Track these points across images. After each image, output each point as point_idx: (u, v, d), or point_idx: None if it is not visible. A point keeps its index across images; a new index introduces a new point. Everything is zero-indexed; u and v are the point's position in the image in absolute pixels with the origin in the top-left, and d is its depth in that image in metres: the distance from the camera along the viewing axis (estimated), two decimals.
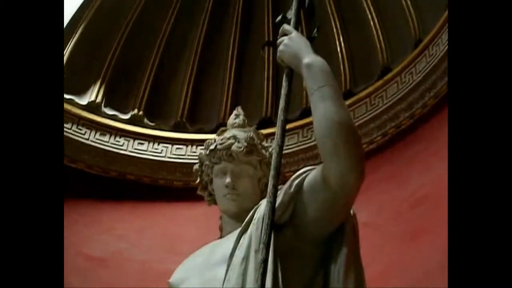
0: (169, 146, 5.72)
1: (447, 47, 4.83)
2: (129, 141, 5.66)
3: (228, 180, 3.04)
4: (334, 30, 5.85)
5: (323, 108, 2.66)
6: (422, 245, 4.22)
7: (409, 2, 5.46)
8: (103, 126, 5.64)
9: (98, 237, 5.02)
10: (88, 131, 5.54)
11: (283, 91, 2.76)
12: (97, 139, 5.55)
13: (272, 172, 2.55)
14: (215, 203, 3.21)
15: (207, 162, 3.16)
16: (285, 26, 2.90)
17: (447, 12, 4.94)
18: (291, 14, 2.95)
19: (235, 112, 3.40)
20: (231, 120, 3.35)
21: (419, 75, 5.05)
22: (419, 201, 4.46)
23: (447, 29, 4.90)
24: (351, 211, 2.81)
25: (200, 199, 3.37)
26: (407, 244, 4.34)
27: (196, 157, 3.33)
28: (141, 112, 5.83)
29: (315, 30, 2.95)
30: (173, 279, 3.00)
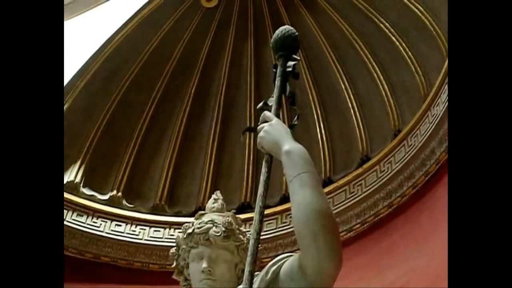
0: (147, 228, 5.68)
1: (425, 138, 4.91)
2: (106, 222, 5.61)
3: (204, 265, 3.00)
4: (315, 118, 5.94)
5: (301, 196, 2.66)
6: None
7: (389, 94, 5.58)
8: (81, 207, 5.60)
9: None
10: (65, 212, 5.49)
11: (262, 177, 2.77)
12: (73, 219, 5.50)
13: (248, 259, 2.53)
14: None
15: (184, 246, 3.14)
16: (266, 113, 2.93)
17: (425, 104, 5.05)
18: (272, 101, 2.99)
19: (213, 196, 3.40)
20: (210, 204, 3.34)
21: (397, 164, 5.11)
22: None
23: (425, 121, 4.99)
24: None
25: (176, 283, 3.32)
26: None
27: (174, 240, 3.30)
28: (120, 193, 5.81)
29: (296, 118, 2.98)
30: None
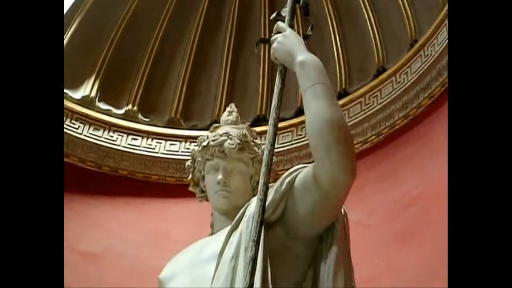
0: (163, 142, 5.71)
1: (442, 47, 4.83)
2: (122, 136, 5.64)
3: (220, 177, 3.03)
4: (330, 29, 5.84)
5: (315, 107, 2.65)
6: (414, 247, 4.22)
7: (405, 3, 5.46)
8: (97, 121, 5.62)
9: (89, 232, 5.00)
10: (82, 126, 5.52)
11: (276, 89, 2.75)
12: (90, 133, 5.54)
13: (263, 169, 2.54)
14: (206, 200, 3.20)
15: (199, 159, 3.16)
16: (279, 24, 2.89)
17: (443, 13, 4.94)
18: (285, 12, 2.94)
19: (228, 109, 3.40)
20: (224, 117, 3.34)
21: (414, 75, 5.05)
22: (412, 202, 4.45)
23: (442, 30, 4.90)
24: (343, 210, 2.80)
25: (192, 196, 3.36)
26: (399, 245, 4.33)
27: (189, 154, 3.32)
28: (135, 108, 5.82)
29: (310, 28, 2.94)
30: (162, 275, 2.99)
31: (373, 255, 4.25)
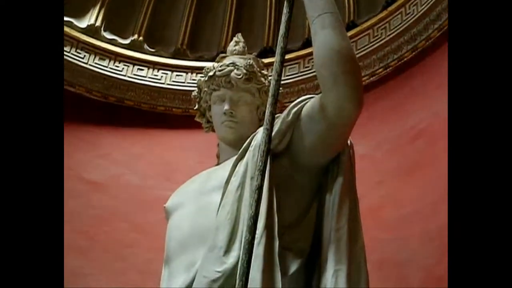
0: (169, 73, 5.67)
1: None
2: (128, 66, 5.59)
3: (226, 107, 3.02)
4: None
5: (323, 36, 2.61)
6: (420, 180, 4.22)
7: None
8: (102, 51, 5.56)
9: (96, 161, 5.02)
10: (87, 55, 5.47)
11: (284, 18, 2.71)
12: (96, 63, 5.49)
13: (269, 99, 2.52)
14: (212, 130, 3.20)
15: (205, 89, 3.14)
16: None
17: None
18: None
19: (235, 39, 3.36)
20: (231, 47, 3.31)
21: (423, 6, 4.95)
22: (419, 135, 4.44)
23: None
24: (349, 142, 2.80)
25: (198, 127, 3.35)
26: (404, 178, 4.34)
27: (196, 84, 3.30)
28: (141, 38, 5.74)
29: None
30: (168, 204, 3.02)
31: (378, 187, 4.27)
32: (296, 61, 5.47)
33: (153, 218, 4.40)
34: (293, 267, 2.59)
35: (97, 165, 4.99)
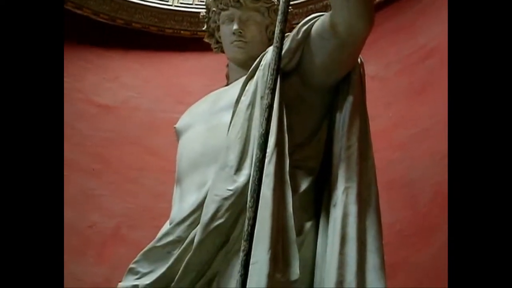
0: None
1: None
2: None
3: (235, 26, 2.99)
4: None
5: None
6: (430, 99, 4.20)
7: None
8: None
9: (105, 85, 5.01)
10: None
11: None
12: None
13: (279, 17, 2.48)
14: (222, 51, 3.18)
15: (214, 8, 3.10)
16: None
17: None
18: None
19: None
20: None
21: None
22: (429, 54, 4.39)
23: None
24: (359, 60, 2.78)
25: (208, 49, 3.33)
26: (414, 97, 4.32)
27: (204, 4, 3.26)
28: None
29: None
30: (179, 125, 3.03)
31: (388, 108, 4.25)
32: None
33: (163, 140, 4.43)
34: (304, 185, 2.62)
35: (107, 88, 4.99)
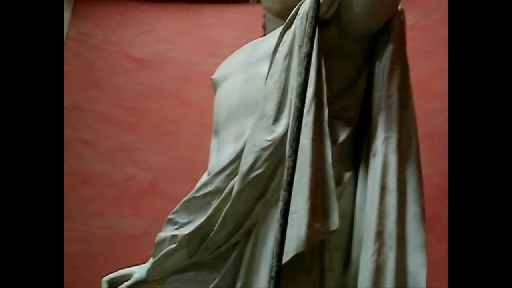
0: None
1: None
2: None
3: None
4: None
5: None
6: None
7: None
8: None
9: (140, 38, 5.00)
10: None
11: None
12: None
13: None
14: (258, 1, 3.12)
15: None
16: None
17: None
18: None
19: None
20: None
21: None
22: None
23: None
24: (399, 8, 2.71)
25: (242, 1, 3.28)
26: None
27: None
28: None
29: None
30: (216, 76, 3.00)
31: (428, 58, 4.17)
32: None
33: (198, 93, 4.43)
34: (342, 136, 2.58)
35: (142, 41, 4.98)
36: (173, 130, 4.62)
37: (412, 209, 2.42)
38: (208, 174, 2.67)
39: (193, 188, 2.66)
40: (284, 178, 2.15)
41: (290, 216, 2.12)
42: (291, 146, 2.18)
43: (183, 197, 2.63)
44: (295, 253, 2.20)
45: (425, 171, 2.56)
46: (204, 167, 2.89)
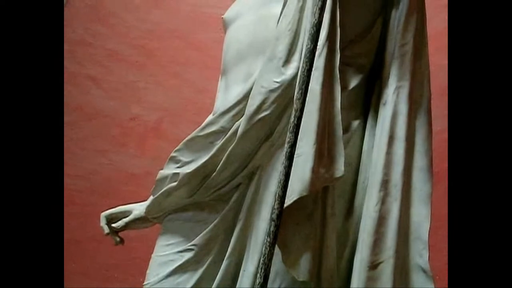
0: None
1: None
2: None
3: None
4: None
5: None
6: None
7: None
8: None
9: None
10: None
11: None
12: None
13: None
14: None
15: None
16: None
17: None
18: None
19: None
20: None
21: None
22: None
23: None
24: None
25: None
26: None
27: None
28: None
29: None
30: (227, 15, 2.92)
31: (444, 11, 4.07)
32: None
33: (208, 36, 4.35)
34: (353, 83, 2.52)
35: None
36: (180, 72, 4.55)
37: (419, 160, 2.37)
38: (213, 114, 2.62)
39: None
40: (291, 120, 2.10)
41: (295, 160, 2.08)
42: (300, 88, 2.13)
43: None
44: (298, 196, 2.16)
45: (434, 127, 2.50)
46: (209, 110, 2.84)
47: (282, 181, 2.04)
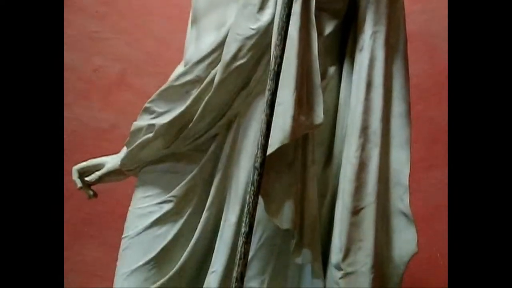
0: None
1: None
2: None
3: None
4: None
5: None
6: None
7: None
8: None
9: None
10: None
11: None
12: None
13: None
14: None
15: None
16: None
17: None
18: None
19: None
20: None
21: None
22: None
23: None
24: None
25: None
26: None
27: None
28: None
29: None
30: None
31: None
32: None
33: None
34: (328, 28, 2.48)
35: None
36: (144, 23, 4.42)
37: (397, 105, 2.37)
38: (185, 65, 2.56)
39: (162, 83, 2.55)
40: (271, 67, 2.06)
41: (275, 108, 2.04)
42: (279, 34, 2.08)
43: (152, 92, 2.51)
44: (279, 145, 2.14)
45: None
46: (174, 62, 2.78)
47: (264, 130, 2.01)
